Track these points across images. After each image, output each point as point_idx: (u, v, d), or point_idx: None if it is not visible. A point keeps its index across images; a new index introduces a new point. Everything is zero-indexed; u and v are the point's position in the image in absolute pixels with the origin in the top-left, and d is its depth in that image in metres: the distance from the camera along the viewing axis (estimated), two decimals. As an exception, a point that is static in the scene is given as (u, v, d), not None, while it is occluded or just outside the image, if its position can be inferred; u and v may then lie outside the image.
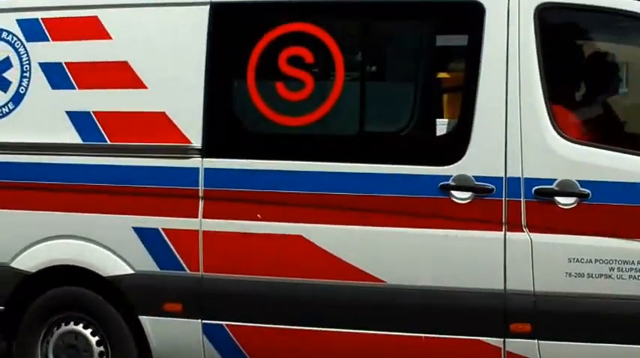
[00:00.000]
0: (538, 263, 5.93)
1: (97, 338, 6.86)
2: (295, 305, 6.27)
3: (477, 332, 6.07)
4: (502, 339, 6.16)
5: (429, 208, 6.00)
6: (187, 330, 6.59)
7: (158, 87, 6.51)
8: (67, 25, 6.76)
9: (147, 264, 6.57)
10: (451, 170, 5.98)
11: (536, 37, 5.92)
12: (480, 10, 5.95)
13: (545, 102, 5.87)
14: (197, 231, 6.42)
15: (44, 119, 6.80)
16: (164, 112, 6.51)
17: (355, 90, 6.24)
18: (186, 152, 6.44)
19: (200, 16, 6.50)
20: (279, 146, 6.34)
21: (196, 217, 6.43)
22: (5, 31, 6.87)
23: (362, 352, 6.30)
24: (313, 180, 6.23)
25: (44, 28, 6.79)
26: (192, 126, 6.45)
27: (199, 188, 6.43)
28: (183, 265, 6.50)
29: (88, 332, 6.88)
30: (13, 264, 6.87)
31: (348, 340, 6.30)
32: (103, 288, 6.70)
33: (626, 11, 5.93)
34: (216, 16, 6.44)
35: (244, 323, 6.46)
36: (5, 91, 6.85)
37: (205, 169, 6.41)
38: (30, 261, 6.85)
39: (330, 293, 6.22)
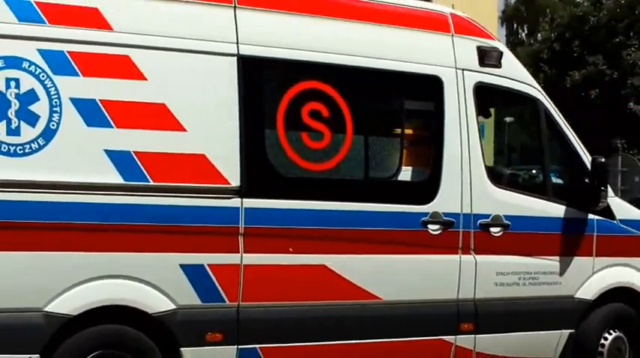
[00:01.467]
0: (479, 277, 6.93)
1: None
2: (316, 324, 6.46)
3: (441, 332, 6.96)
4: (455, 336, 7.10)
5: (414, 238, 6.77)
6: (224, 355, 6.17)
7: (197, 130, 6.15)
8: (97, 62, 5.91)
9: (189, 298, 6.12)
10: (428, 208, 6.66)
11: (477, 108, 6.82)
12: (440, 83, 6.80)
13: (483, 157, 6.84)
14: (239, 265, 6.13)
15: (80, 157, 5.84)
16: (204, 155, 6.12)
17: (361, 142, 6.67)
18: (226, 192, 6.21)
19: (229, 67, 6.24)
20: (305, 188, 6.45)
21: (238, 252, 6.15)
22: (25, 60, 5.70)
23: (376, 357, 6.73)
24: (331, 218, 6.48)
25: (72, 62, 5.83)
26: (230, 169, 6.25)
27: (240, 226, 6.16)
28: (224, 297, 6.24)
29: None
30: (49, 309, 5.70)
31: (354, 350, 6.59)
32: (141, 325, 5.94)
33: (526, 93, 7.42)
34: (244, 68, 6.26)
35: (273, 345, 6.40)
36: (33, 126, 5.70)
37: (245, 209, 6.03)
38: (70, 304, 5.76)
39: (345, 311, 6.51)
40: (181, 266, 6.06)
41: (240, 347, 6.28)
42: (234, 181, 6.23)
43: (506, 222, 7.23)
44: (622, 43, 28.27)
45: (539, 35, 40.06)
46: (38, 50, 5.74)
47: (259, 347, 6.34)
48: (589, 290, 7.66)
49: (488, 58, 7.32)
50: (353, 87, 6.74)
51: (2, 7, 5.68)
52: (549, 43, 31.27)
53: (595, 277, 7.70)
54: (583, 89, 28.09)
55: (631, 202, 8.34)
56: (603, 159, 7.54)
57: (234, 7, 6.38)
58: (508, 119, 8.17)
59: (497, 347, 7.26)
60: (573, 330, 7.61)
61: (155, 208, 6.01)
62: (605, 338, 7.78)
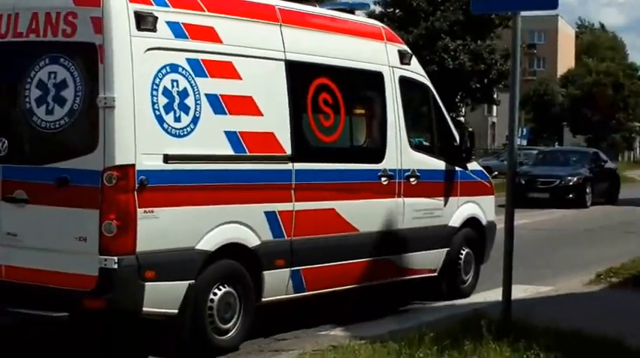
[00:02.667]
0: (405, 213, 10.26)
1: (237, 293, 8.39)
2: (330, 251, 9.31)
3: (388, 252, 10.07)
4: (392, 256, 10.20)
5: (374, 187, 9.89)
6: (283, 277, 8.85)
7: (268, 115, 8.67)
8: (215, 66, 8.19)
9: (267, 235, 8.62)
10: (381, 166, 9.93)
11: (402, 93, 10.16)
12: (382, 77, 10.04)
13: (407, 128, 10.20)
14: (292, 211, 8.86)
15: (211, 136, 8.13)
16: (272, 133, 8.73)
17: (349, 120, 9.57)
18: (285, 159, 8.82)
19: (281, 68, 8.85)
20: (322, 154, 9.24)
21: (292, 202, 8.86)
22: (180, 66, 7.89)
23: (357, 272, 9.61)
24: (336, 174, 9.39)
25: (204, 67, 8.09)
26: (286, 142, 8.83)
27: (292, 182, 8.87)
28: (284, 233, 8.81)
29: (235, 292, 8.31)
30: (199, 247, 7.97)
31: (347, 268, 9.54)
32: (240, 257, 8.39)
33: (424, 83, 10.65)
34: (289, 69, 8.90)
35: (308, 266, 9.08)
36: (187, 114, 7.93)
37: (295, 170, 8.88)
38: (210, 243, 8.04)
39: (344, 240, 9.46)
40: (265, 212, 8.56)
41: (291, 269, 8.90)
42: (288, 151, 8.80)
43: (418, 174, 10.43)
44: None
45: None
46: (186, 59, 7.93)
47: (301, 269, 9.00)
48: (456, 220, 11.12)
49: (404, 58, 10.43)
50: (341, 81, 9.49)
51: (166, 28, 7.79)
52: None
53: (458, 211, 11.16)
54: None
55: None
56: (471, 129, 10.98)
57: (280, 25, 8.90)
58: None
59: (414, 263, 10.45)
60: (449, 248, 11.02)
61: (250, 171, 8.45)
62: (461, 255, 11.27)
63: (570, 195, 27.03)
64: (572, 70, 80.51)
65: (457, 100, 39.98)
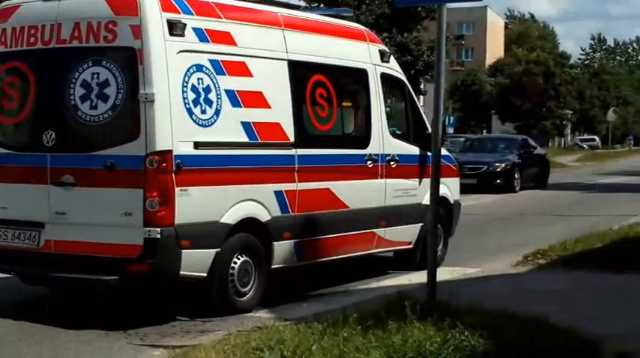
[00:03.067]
0: (387, 193, 11.61)
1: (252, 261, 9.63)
2: (325, 225, 10.58)
3: (372, 227, 11.40)
4: (377, 229, 11.55)
5: (361, 169, 11.20)
6: (289, 247, 10.11)
7: (275, 107, 9.91)
8: (232, 66, 9.40)
9: (276, 211, 9.84)
10: (366, 151, 11.27)
11: (382, 88, 11.51)
12: (367, 74, 11.39)
13: (387, 118, 11.55)
14: (295, 190, 10.13)
15: (230, 126, 9.33)
16: (279, 123, 9.99)
17: (340, 111, 10.89)
18: (289, 146, 10.07)
19: (285, 67, 10.12)
20: (319, 141, 10.55)
21: (295, 182, 10.13)
22: (204, 66, 9.08)
23: (347, 244, 10.86)
24: (330, 158, 10.69)
25: (222, 66, 9.30)
26: (289, 131, 10.08)
27: (295, 166, 10.14)
28: (289, 210, 10.05)
29: (251, 260, 9.53)
30: (223, 220, 9.17)
31: (342, 239, 10.86)
32: (255, 229, 9.62)
33: (400, 78, 11.98)
34: (291, 67, 10.18)
35: (307, 238, 10.34)
36: (211, 107, 9.12)
37: (298, 155, 10.17)
38: (232, 217, 9.24)
39: (337, 216, 10.76)
40: (274, 191, 9.79)
41: (295, 240, 10.15)
42: (292, 138, 10.04)
43: (397, 158, 11.75)
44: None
45: None
46: (208, 59, 9.13)
47: (301, 241, 10.24)
48: (429, 198, 12.39)
49: (384, 57, 11.75)
50: (334, 77, 10.76)
51: (192, 33, 8.97)
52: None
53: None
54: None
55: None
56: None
57: (283, 29, 10.14)
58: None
59: (393, 236, 11.77)
60: (423, 223, 12.36)
61: (262, 156, 9.67)
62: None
63: (498, 181, 27.71)
64: (502, 59, 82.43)
65: (384, 91, 40.30)
